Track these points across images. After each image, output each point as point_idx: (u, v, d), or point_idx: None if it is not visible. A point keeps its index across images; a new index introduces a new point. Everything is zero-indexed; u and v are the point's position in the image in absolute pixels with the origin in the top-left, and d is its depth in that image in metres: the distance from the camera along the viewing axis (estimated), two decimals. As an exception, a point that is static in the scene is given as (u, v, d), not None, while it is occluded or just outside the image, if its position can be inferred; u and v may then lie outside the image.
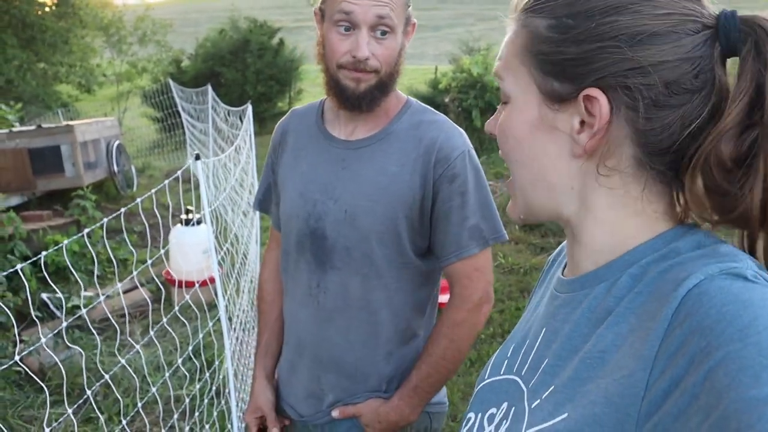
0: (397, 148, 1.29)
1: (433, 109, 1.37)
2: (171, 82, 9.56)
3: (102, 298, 1.93)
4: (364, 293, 1.31)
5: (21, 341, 3.59)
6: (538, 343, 0.68)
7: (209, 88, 7.61)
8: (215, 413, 2.75)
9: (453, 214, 1.27)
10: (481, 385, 0.77)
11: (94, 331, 1.78)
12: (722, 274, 0.52)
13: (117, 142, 6.72)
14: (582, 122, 0.61)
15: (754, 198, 0.55)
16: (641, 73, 0.57)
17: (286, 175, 1.40)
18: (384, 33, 1.21)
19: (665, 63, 0.57)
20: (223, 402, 2.87)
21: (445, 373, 1.33)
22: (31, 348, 1.81)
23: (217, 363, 2.94)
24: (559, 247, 0.84)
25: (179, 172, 2.31)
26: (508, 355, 0.75)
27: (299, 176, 1.36)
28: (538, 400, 0.62)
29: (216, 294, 2.39)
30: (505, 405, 0.68)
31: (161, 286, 2.54)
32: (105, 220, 1.95)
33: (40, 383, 1.72)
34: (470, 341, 1.34)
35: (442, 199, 1.27)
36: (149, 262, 2.23)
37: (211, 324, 2.70)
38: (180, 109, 8.92)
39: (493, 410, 0.70)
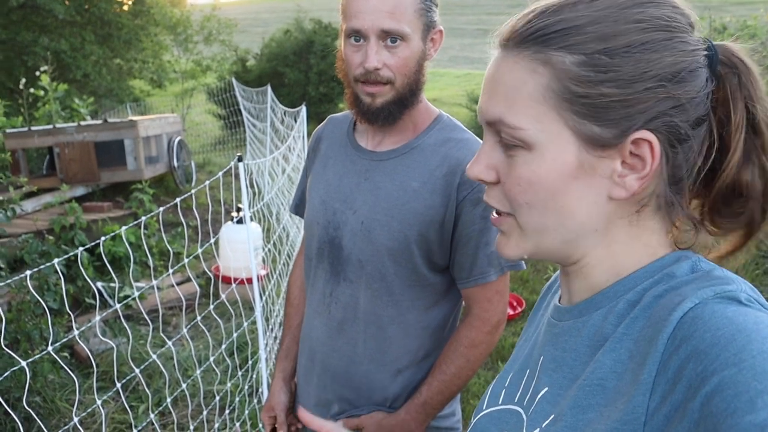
0: (421, 163, 1.26)
1: (463, 126, 1.33)
2: (234, 81, 9.81)
3: (137, 293, 1.98)
4: (374, 308, 1.29)
5: (73, 328, 3.74)
6: (537, 372, 0.68)
7: (269, 88, 7.75)
8: (247, 411, 2.78)
9: (474, 238, 1.24)
10: (479, 415, 0.75)
11: (126, 324, 1.83)
12: (716, 298, 0.52)
13: (178, 138, 6.93)
14: (623, 162, 0.59)
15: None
16: (681, 111, 0.58)
17: (314, 181, 1.41)
18: (394, 40, 1.17)
19: (694, 99, 0.58)
20: (255, 401, 2.91)
21: (456, 390, 1.31)
22: (67, 338, 1.88)
23: (250, 362, 2.98)
24: (554, 275, 0.82)
25: (220, 174, 2.36)
26: (506, 385, 0.74)
27: (324, 184, 1.37)
28: (538, 429, 0.62)
29: (253, 294, 2.42)
30: None
31: (200, 283, 2.59)
32: (145, 217, 2.00)
33: (69, 371, 1.77)
34: (484, 360, 1.32)
35: (464, 222, 1.24)
36: (186, 260, 2.28)
37: (246, 323, 2.74)
38: (242, 107, 9.13)
39: None
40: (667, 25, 0.57)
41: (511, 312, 4.17)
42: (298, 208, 1.55)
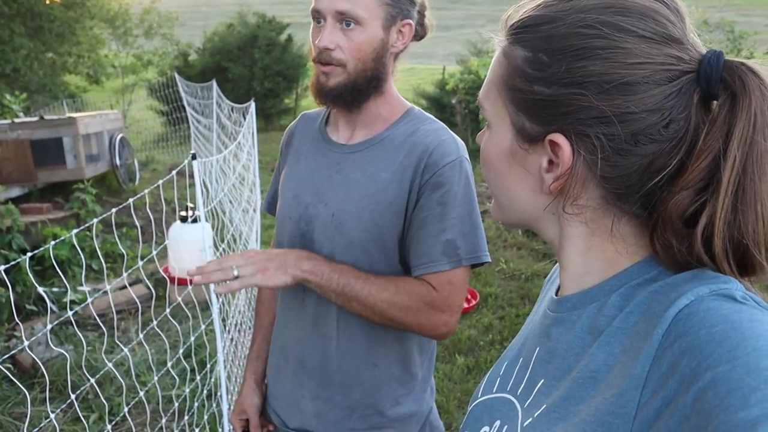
0: (391, 154, 1.25)
1: (434, 117, 1.32)
2: (177, 76, 9.55)
3: (91, 298, 1.89)
4: None
5: (14, 336, 3.56)
6: (532, 363, 0.69)
7: (214, 83, 7.58)
8: (206, 416, 2.71)
9: (429, 223, 1.20)
10: (474, 403, 0.77)
11: (77, 330, 1.74)
12: (712, 295, 0.52)
13: (120, 135, 6.69)
14: (550, 161, 0.61)
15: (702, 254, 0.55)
16: (605, 123, 0.56)
17: (286, 177, 1.40)
18: (349, 23, 1.18)
19: (631, 114, 0.56)
20: (214, 405, 2.84)
21: (354, 294, 1.19)
22: (17, 349, 1.78)
23: (209, 365, 2.90)
24: (555, 266, 0.83)
25: (174, 172, 2.27)
26: (501, 373, 0.75)
27: (296, 178, 1.36)
28: (530, 419, 0.63)
29: (210, 295, 2.35)
30: (497, 423, 0.68)
31: (150, 285, 2.50)
32: (96, 220, 1.91)
33: (17, 382, 1.68)
34: (401, 322, 1.21)
35: (421, 206, 1.21)
36: (140, 263, 2.19)
37: (204, 325, 2.66)
38: (185, 103, 8.90)
39: (486, 428, 0.70)
40: (619, 35, 0.56)
41: (465, 305, 4.22)
42: (271, 206, 1.52)
